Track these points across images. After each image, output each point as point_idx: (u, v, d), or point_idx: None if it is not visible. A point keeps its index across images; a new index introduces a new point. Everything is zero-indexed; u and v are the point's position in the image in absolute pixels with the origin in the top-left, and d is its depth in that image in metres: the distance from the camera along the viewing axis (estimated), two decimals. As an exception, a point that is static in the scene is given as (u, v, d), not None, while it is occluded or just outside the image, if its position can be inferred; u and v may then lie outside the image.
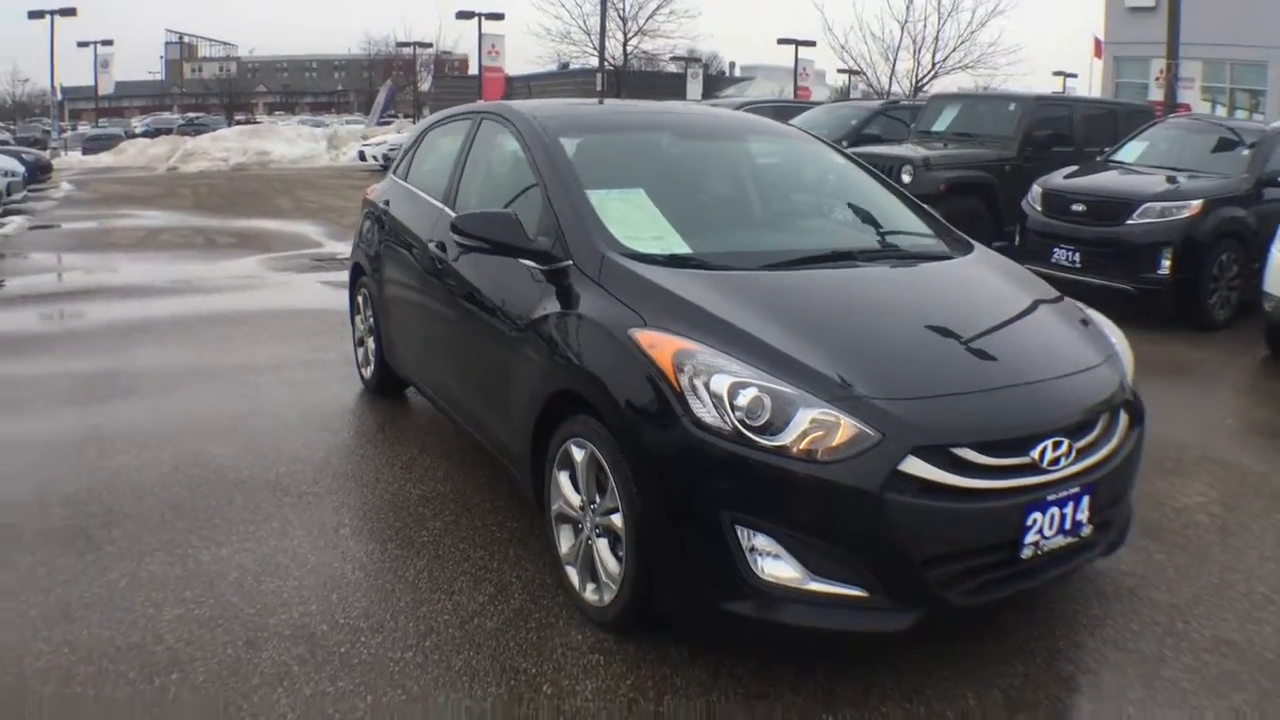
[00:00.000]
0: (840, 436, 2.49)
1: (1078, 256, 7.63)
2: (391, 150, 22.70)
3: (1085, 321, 3.34)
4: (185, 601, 3.12)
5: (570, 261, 3.22)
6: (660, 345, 2.71)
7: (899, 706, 2.64)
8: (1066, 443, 2.70)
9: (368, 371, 5.43)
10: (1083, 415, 2.82)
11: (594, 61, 37.19)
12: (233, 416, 5.02)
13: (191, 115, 55.19)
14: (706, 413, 2.56)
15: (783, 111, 15.36)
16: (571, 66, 41.90)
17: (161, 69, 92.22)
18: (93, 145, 36.48)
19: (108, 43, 40.05)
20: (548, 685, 2.69)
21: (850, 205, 4.11)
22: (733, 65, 71.46)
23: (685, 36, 51.17)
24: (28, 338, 6.95)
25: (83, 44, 39.86)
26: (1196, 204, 7.26)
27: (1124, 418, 3.01)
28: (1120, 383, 3.05)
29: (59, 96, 42.18)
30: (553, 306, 3.19)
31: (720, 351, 2.66)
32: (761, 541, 2.53)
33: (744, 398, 2.54)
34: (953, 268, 3.55)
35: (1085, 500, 2.76)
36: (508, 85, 37.61)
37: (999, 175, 9.50)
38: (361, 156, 27.23)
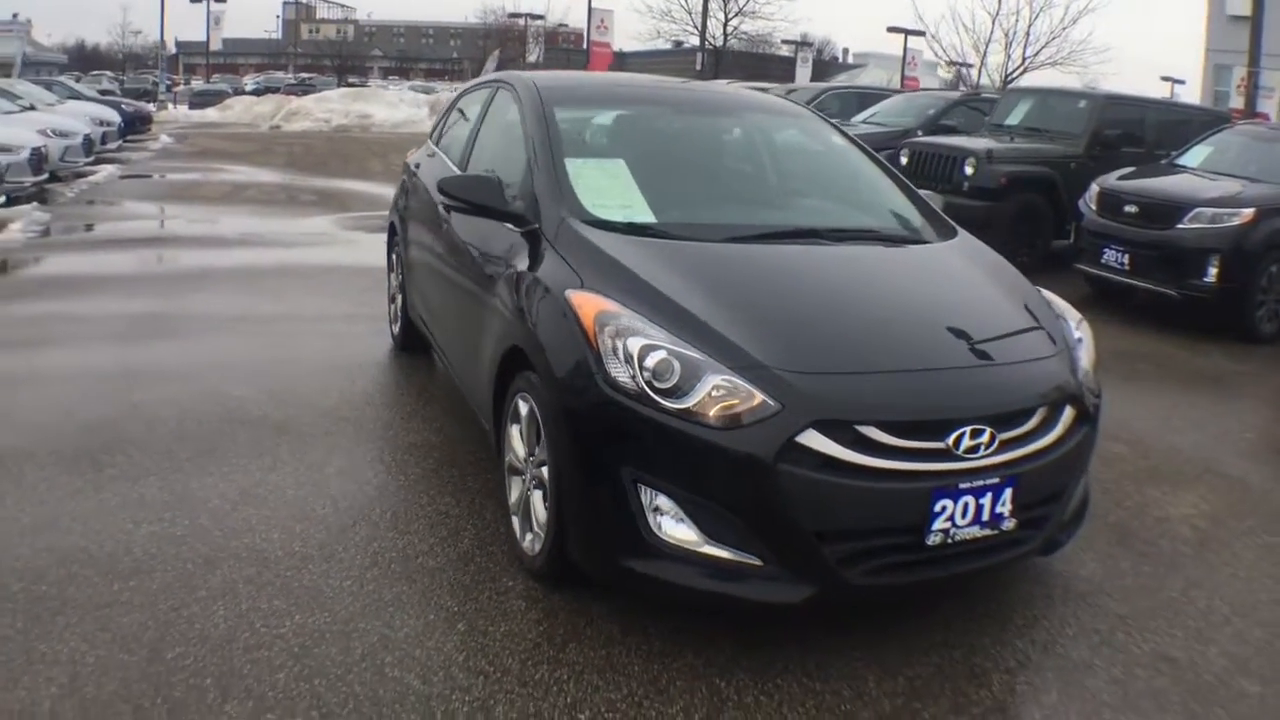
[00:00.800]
0: (741, 404, 2.55)
1: (1126, 258, 7.44)
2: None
3: (1049, 315, 3.29)
4: (163, 521, 3.37)
5: (538, 225, 3.34)
6: (586, 305, 2.82)
7: (797, 681, 2.66)
8: (989, 431, 2.69)
9: (396, 328, 5.65)
10: (1013, 406, 2.79)
11: (697, 41, 37.11)
12: (262, 361, 5.29)
13: (303, 75, 56.66)
14: (621, 372, 2.65)
15: (866, 98, 15.33)
16: (684, 46, 41.81)
17: (278, 28, 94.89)
18: (199, 100, 37.78)
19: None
20: (463, 623, 2.84)
21: (839, 186, 4.14)
22: (845, 51, 70.72)
23: (785, 19, 50.70)
24: (94, 279, 7.37)
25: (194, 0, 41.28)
26: (1249, 212, 6.98)
27: (1069, 413, 2.95)
28: (1069, 378, 3.01)
29: (168, 50, 43.56)
30: (518, 267, 3.31)
31: (640, 315, 2.74)
32: (663, 502, 2.61)
33: (652, 359, 2.62)
34: (921, 252, 3.55)
35: (1007, 493, 2.73)
36: (616, 60, 37.53)
37: (1063, 172, 9.25)
38: (455, 125, 27.64)
